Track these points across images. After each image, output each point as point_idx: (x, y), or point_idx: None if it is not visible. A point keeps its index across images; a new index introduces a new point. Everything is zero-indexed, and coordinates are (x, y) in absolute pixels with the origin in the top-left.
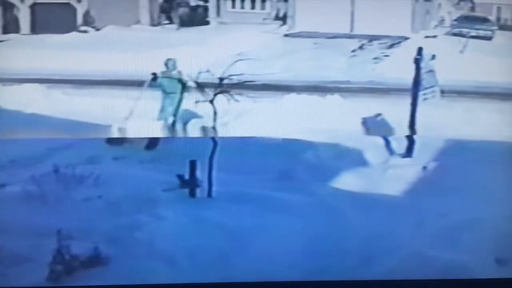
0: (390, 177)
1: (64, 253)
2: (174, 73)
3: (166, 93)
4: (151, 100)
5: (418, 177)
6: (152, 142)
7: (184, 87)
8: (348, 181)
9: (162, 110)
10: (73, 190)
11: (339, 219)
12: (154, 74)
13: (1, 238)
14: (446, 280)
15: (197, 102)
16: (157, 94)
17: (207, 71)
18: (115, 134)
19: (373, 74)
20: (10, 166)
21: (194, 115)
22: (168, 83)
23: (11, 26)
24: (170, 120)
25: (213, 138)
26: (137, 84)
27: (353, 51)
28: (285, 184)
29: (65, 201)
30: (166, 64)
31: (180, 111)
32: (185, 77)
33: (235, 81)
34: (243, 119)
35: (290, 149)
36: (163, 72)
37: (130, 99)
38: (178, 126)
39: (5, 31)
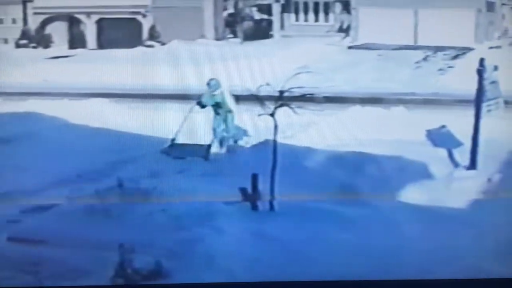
0: (454, 190)
1: (126, 267)
2: (217, 92)
3: (214, 112)
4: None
5: (483, 189)
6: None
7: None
8: (411, 194)
9: (214, 127)
10: (136, 204)
11: (402, 233)
12: (199, 102)
13: (64, 251)
14: (447, 280)
15: (259, 115)
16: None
17: (268, 84)
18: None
19: (437, 85)
20: (76, 180)
21: (244, 133)
22: (211, 102)
23: (78, 42)
24: (220, 137)
25: (274, 152)
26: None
27: (417, 62)
28: (347, 198)
29: (128, 215)
30: (208, 84)
31: (230, 128)
32: (228, 97)
33: (296, 94)
34: (305, 132)
35: (353, 162)
36: (206, 92)
37: (196, 113)
38: (228, 143)
39: (72, 46)
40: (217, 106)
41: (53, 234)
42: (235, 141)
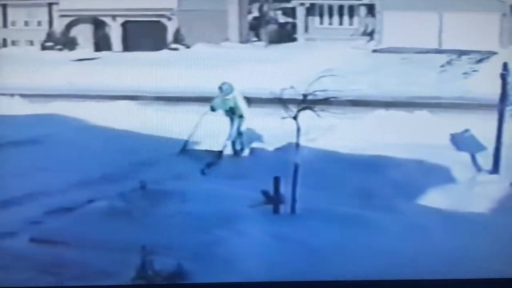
0: (477, 194)
1: (147, 269)
2: (229, 97)
3: (227, 116)
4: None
5: (505, 194)
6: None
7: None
8: (434, 198)
9: (230, 132)
10: (159, 206)
11: (423, 237)
12: (213, 105)
13: (86, 253)
14: (447, 280)
15: (282, 118)
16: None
17: (291, 87)
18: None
19: (462, 89)
20: (99, 182)
21: (258, 138)
22: (223, 106)
23: (103, 44)
24: (231, 140)
25: (296, 155)
26: None
27: (442, 66)
28: (369, 201)
29: (150, 217)
30: (220, 88)
31: (243, 132)
32: (240, 102)
33: (319, 97)
34: (327, 135)
35: (375, 165)
36: (218, 96)
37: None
38: (240, 147)
39: (97, 49)
40: (230, 111)
41: (75, 235)
42: (248, 144)
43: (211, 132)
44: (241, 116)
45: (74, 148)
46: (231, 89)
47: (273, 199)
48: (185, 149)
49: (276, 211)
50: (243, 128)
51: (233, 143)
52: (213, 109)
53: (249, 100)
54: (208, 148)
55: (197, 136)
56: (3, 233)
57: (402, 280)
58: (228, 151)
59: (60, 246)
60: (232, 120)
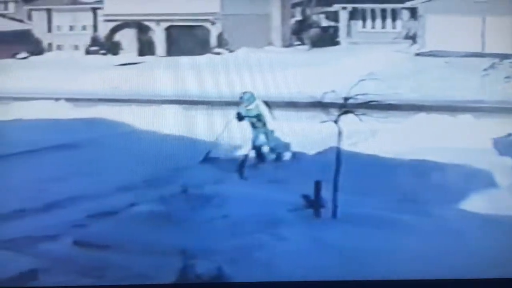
0: None
1: (188, 273)
2: (251, 106)
3: (251, 125)
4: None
5: None
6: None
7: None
8: (475, 203)
9: (253, 139)
10: (200, 210)
11: (465, 241)
12: (238, 114)
13: (128, 257)
14: (447, 280)
15: (323, 122)
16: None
17: (333, 91)
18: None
19: (505, 93)
20: (141, 186)
21: (286, 147)
22: (248, 116)
23: (147, 49)
24: (258, 150)
25: (337, 159)
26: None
27: (485, 70)
28: (410, 206)
29: (191, 221)
30: (241, 98)
31: (270, 140)
32: (264, 110)
33: (360, 101)
34: (369, 139)
35: (417, 170)
36: (240, 106)
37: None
38: (268, 154)
39: (141, 54)
40: (255, 119)
41: (117, 239)
42: (277, 155)
43: (235, 142)
44: (264, 124)
45: (117, 152)
46: (253, 98)
47: (314, 204)
48: (206, 159)
49: (317, 215)
50: (270, 135)
51: (258, 150)
52: (240, 118)
53: (270, 105)
54: (230, 156)
55: (220, 144)
56: (47, 236)
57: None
58: (253, 160)
59: (102, 249)
60: (255, 128)
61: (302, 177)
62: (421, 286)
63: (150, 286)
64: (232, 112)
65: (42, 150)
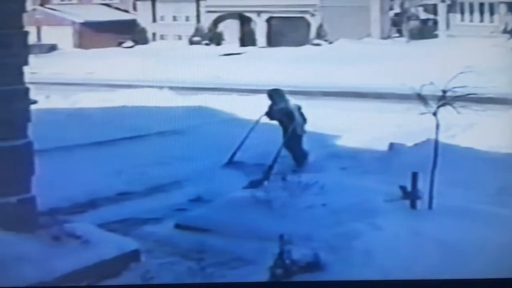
0: None
1: (285, 258)
2: (282, 104)
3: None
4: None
5: None
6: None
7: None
8: None
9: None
10: (298, 197)
11: None
12: (267, 113)
13: (227, 240)
14: (447, 280)
15: (421, 114)
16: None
17: (431, 83)
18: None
19: None
20: (242, 171)
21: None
22: (278, 115)
23: (248, 39)
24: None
25: (435, 151)
26: (374, 96)
27: None
28: (507, 199)
29: (289, 207)
30: (270, 96)
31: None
32: (292, 106)
33: (459, 94)
34: (467, 132)
35: None
36: (270, 105)
37: (365, 111)
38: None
39: (243, 44)
40: (286, 116)
41: (217, 223)
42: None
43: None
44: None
45: (218, 138)
46: (282, 96)
47: (411, 195)
48: (230, 163)
49: (413, 206)
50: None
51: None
52: (271, 117)
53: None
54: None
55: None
56: (149, 219)
57: None
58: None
59: (203, 233)
60: (285, 127)
61: (400, 168)
62: None
63: (150, 286)
64: (331, 102)
65: (146, 136)
